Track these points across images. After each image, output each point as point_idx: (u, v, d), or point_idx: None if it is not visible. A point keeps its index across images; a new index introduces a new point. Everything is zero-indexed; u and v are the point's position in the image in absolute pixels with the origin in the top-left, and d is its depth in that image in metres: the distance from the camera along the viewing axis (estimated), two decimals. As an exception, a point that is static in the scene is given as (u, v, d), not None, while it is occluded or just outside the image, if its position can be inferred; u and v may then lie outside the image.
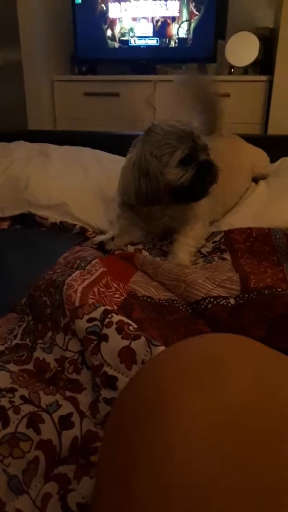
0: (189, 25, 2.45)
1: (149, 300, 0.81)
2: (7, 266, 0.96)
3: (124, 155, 1.54)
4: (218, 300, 0.76)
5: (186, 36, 2.48)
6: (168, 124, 0.97)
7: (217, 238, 1.09)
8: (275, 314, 0.69)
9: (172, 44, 2.52)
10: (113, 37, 2.58)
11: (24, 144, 1.70)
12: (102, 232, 1.16)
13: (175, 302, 0.81)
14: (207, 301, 0.76)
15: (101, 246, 1.06)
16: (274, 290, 0.76)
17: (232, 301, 0.75)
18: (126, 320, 0.61)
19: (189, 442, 0.26)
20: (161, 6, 2.48)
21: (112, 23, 2.55)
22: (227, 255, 1.01)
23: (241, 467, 0.25)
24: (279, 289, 0.76)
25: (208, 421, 0.27)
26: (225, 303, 0.75)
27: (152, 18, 2.51)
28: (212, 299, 0.76)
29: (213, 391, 0.29)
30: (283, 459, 0.25)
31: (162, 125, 0.98)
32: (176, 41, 2.51)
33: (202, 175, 0.97)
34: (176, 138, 0.95)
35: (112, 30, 2.56)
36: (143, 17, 2.52)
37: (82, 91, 2.58)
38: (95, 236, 1.13)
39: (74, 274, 0.74)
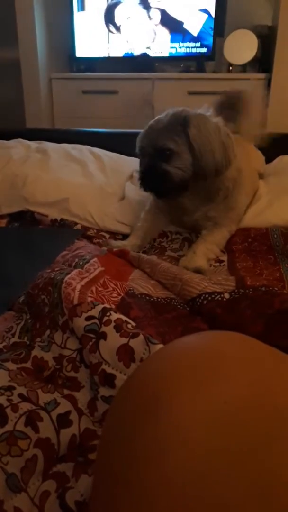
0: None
1: (147, 298, 0.81)
2: (5, 264, 0.95)
3: (122, 152, 1.54)
4: (213, 296, 0.76)
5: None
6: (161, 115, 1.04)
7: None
8: (273, 310, 0.69)
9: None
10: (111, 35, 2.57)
11: (22, 142, 1.69)
12: (101, 230, 1.17)
13: (173, 300, 0.81)
14: (202, 297, 0.76)
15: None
16: (271, 288, 0.76)
17: (226, 295, 0.75)
18: (124, 318, 0.61)
19: (187, 439, 0.26)
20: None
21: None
22: (224, 257, 1.01)
23: (238, 465, 0.25)
24: (276, 288, 0.77)
25: (205, 418, 0.27)
26: (219, 298, 0.75)
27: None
28: (207, 295, 0.76)
29: (211, 389, 0.29)
30: (280, 457, 0.25)
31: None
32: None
33: (143, 180, 1.03)
34: (141, 136, 1.04)
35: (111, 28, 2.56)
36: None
37: (80, 89, 2.58)
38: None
39: (72, 273, 0.73)
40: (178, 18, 2.46)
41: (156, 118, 1.03)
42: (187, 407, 0.28)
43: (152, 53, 2.55)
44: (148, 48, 2.54)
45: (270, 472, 0.24)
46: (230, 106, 1.27)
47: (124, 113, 2.50)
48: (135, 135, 1.07)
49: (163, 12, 2.47)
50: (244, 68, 2.46)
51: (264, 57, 2.40)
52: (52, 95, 2.66)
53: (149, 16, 2.50)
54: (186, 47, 2.50)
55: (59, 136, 1.76)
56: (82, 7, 2.55)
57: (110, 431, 0.34)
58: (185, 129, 0.97)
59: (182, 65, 2.61)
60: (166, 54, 2.54)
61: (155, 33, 2.51)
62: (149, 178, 1.02)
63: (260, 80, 2.33)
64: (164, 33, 2.51)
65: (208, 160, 0.96)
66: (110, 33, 2.57)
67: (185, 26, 2.47)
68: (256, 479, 0.24)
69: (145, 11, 2.49)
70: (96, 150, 1.62)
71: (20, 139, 1.72)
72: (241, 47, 2.36)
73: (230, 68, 2.48)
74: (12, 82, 2.57)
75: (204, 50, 2.49)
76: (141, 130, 1.04)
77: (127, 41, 2.56)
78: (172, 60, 2.58)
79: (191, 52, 2.51)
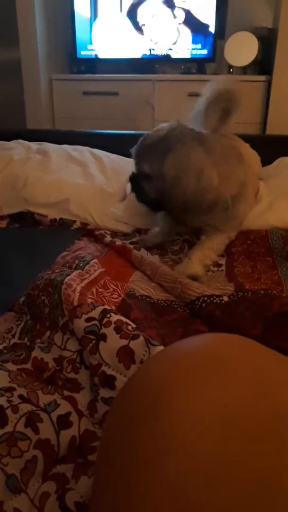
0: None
1: (147, 300, 0.81)
2: (5, 265, 0.95)
3: (122, 154, 1.54)
4: (212, 298, 0.76)
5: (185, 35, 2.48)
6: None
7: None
8: (272, 313, 0.69)
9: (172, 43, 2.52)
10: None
11: (23, 143, 1.69)
12: (99, 228, 1.17)
13: (173, 302, 0.81)
14: (201, 300, 0.77)
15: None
16: (269, 291, 0.77)
17: (225, 298, 0.76)
18: (124, 319, 0.61)
19: (187, 441, 0.26)
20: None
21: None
22: (222, 261, 1.01)
23: (238, 466, 0.25)
24: (274, 292, 0.77)
25: (205, 420, 0.27)
26: (218, 301, 0.75)
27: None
28: (206, 298, 0.76)
29: (211, 391, 0.29)
30: (281, 459, 0.25)
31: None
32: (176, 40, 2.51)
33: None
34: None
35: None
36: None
37: (80, 90, 2.58)
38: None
39: (72, 274, 0.74)
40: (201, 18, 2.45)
41: (152, 131, 1.05)
42: (187, 409, 0.28)
43: (173, 54, 2.54)
44: (170, 49, 2.53)
45: (272, 474, 0.24)
46: (224, 105, 1.25)
47: (124, 115, 2.50)
48: (135, 136, 1.08)
49: (188, 12, 2.46)
50: (244, 70, 2.46)
51: (264, 59, 2.40)
52: (53, 96, 2.66)
53: (174, 15, 2.48)
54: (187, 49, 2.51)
55: (59, 137, 1.76)
56: (95, 14, 2.54)
57: (110, 432, 0.34)
58: (165, 157, 0.97)
59: (182, 67, 2.61)
60: (187, 56, 2.53)
61: (179, 33, 2.49)
62: (133, 188, 1.10)
63: (261, 82, 2.33)
64: (187, 34, 2.50)
65: (178, 194, 0.97)
66: (131, 33, 2.56)
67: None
68: (257, 480, 0.24)
69: (169, 10, 2.47)
70: (97, 151, 1.62)
71: (20, 140, 1.72)
72: (242, 49, 2.36)
73: (231, 70, 2.48)
74: (12, 83, 2.57)
75: (205, 52, 2.49)
76: (142, 131, 1.05)
77: (151, 40, 2.54)
78: (172, 62, 2.58)
79: (192, 54, 2.52)
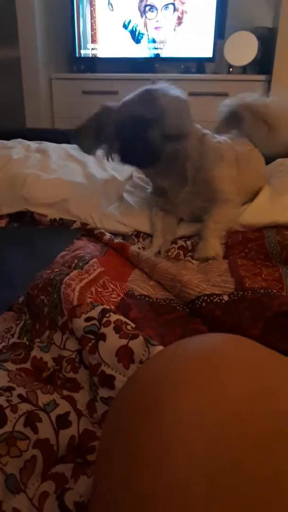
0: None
1: (146, 299, 0.81)
2: (5, 265, 0.95)
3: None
4: (212, 298, 0.76)
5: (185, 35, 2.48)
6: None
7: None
8: (272, 313, 0.69)
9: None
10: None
11: (22, 142, 1.69)
12: (99, 227, 1.17)
13: (173, 301, 0.81)
14: (201, 299, 0.76)
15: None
16: (269, 290, 0.76)
17: (225, 297, 0.76)
18: (124, 319, 0.61)
19: (188, 441, 0.26)
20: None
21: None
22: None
23: (239, 466, 0.25)
24: (274, 291, 0.77)
25: (206, 420, 0.27)
26: (218, 300, 0.75)
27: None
28: (205, 297, 0.76)
29: (211, 391, 0.29)
30: (282, 458, 0.25)
31: None
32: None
33: (127, 150, 1.09)
34: (111, 114, 1.11)
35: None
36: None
37: (80, 89, 2.58)
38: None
39: (72, 274, 0.73)
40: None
41: (124, 99, 1.12)
42: (187, 409, 0.28)
43: (173, 54, 2.53)
44: (170, 49, 2.53)
45: (273, 474, 0.24)
46: (239, 119, 1.31)
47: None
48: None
49: (187, 12, 2.46)
50: (244, 69, 2.46)
51: (264, 59, 2.40)
52: (52, 95, 2.66)
53: (173, 14, 2.48)
54: (187, 48, 2.50)
55: (59, 136, 1.76)
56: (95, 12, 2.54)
57: (109, 432, 0.34)
58: (154, 101, 1.04)
59: (182, 66, 2.61)
60: (187, 55, 2.53)
61: (179, 32, 2.49)
62: (131, 148, 1.08)
63: (260, 82, 2.33)
64: (187, 33, 2.50)
65: (171, 118, 1.03)
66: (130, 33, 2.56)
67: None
68: (258, 481, 0.24)
69: (169, 9, 2.48)
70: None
71: (20, 139, 1.72)
72: (242, 48, 2.36)
73: (230, 69, 2.48)
74: (12, 82, 2.57)
75: (204, 51, 2.49)
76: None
77: (151, 39, 2.54)
78: (172, 61, 2.58)
79: (192, 53, 2.52)
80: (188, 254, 1.08)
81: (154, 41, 2.54)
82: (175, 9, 2.46)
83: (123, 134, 1.08)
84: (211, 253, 1.00)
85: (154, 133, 1.04)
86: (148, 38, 2.53)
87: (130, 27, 2.55)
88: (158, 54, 2.55)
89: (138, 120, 1.05)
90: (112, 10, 2.53)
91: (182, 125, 1.06)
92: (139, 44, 2.55)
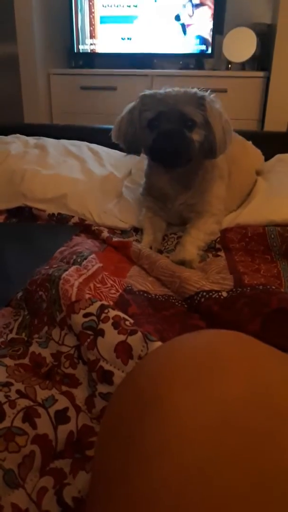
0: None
1: (145, 295, 0.81)
2: (3, 260, 0.95)
3: (120, 149, 1.54)
4: (211, 294, 0.76)
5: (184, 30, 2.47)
6: (164, 89, 1.06)
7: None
8: (270, 309, 0.69)
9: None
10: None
11: (20, 137, 1.69)
12: (97, 224, 1.17)
13: (171, 297, 0.81)
14: (200, 295, 0.77)
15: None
16: (268, 287, 0.77)
17: (224, 293, 0.76)
18: (122, 315, 0.61)
19: (186, 436, 0.26)
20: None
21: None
22: (221, 253, 1.01)
23: (236, 462, 0.25)
24: (273, 287, 0.77)
25: (204, 416, 0.27)
26: (217, 296, 0.75)
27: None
28: (204, 293, 0.76)
29: (209, 387, 0.29)
30: (279, 454, 0.25)
31: (159, 90, 1.06)
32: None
33: (163, 142, 1.00)
34: (154, 101, 1.02)
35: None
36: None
37: (78, 84, 2.57)
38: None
39: (70, 269, 0.73)
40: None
41: (167, 89, 1.06)
42: (185, 405, 0.28)
43: (172, 49, 2.52)
44: (168, 44, 2.52)
45: (271, 470, 0.24)
46: None
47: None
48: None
49: (186, 7, 2.44)
50: (243, 66, 2.45)
51: (263, 55, 2.40)
52: (50, 90, 2.65)
53: (172, 11, 2.47)
54: (186, 44, 2.49)
55: (57, 132, 1.76)
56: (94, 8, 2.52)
57: (108, 428, 0.34)
58: (201, 105, 1.00)
59: (181, 62, 2.60)
60: (186, 51, 2.52)
61: (177, 28, 2.48)
62: (169, 142, 1.00)
63: (259, 78, 2.33)
64: (185, 29, 2.49)
65: (219, 137, 1.01)
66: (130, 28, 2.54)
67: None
68: (257, 477, 0.24)
69: (167, 5, 2.47)
70: (95, 146, 1.62)
71: (18, 135, 1.72)
72: (240, 45, 2.36)
73: (229, 65, 2.47)
74: (10, 77, 2.56)
75: (203, 47, 2.48)
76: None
77: (149, 35, 2.53)
78: (171, 57, 2.57)
79: (190, 49, 2.50)
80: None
81: (152, 37, 2.53)
82: (173, 4, 2.45)
83: (165, 125, 1.01)
84: (187, 257, 0.96)
85: (195, 136, 1.01)
86: (147, 34, 2.52)
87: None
88: (156, 50, 2.53)
89: (187, 118, 1.00)
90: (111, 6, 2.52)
91: (226, 147, 1.04)
92: (138, 39, 2.54)
